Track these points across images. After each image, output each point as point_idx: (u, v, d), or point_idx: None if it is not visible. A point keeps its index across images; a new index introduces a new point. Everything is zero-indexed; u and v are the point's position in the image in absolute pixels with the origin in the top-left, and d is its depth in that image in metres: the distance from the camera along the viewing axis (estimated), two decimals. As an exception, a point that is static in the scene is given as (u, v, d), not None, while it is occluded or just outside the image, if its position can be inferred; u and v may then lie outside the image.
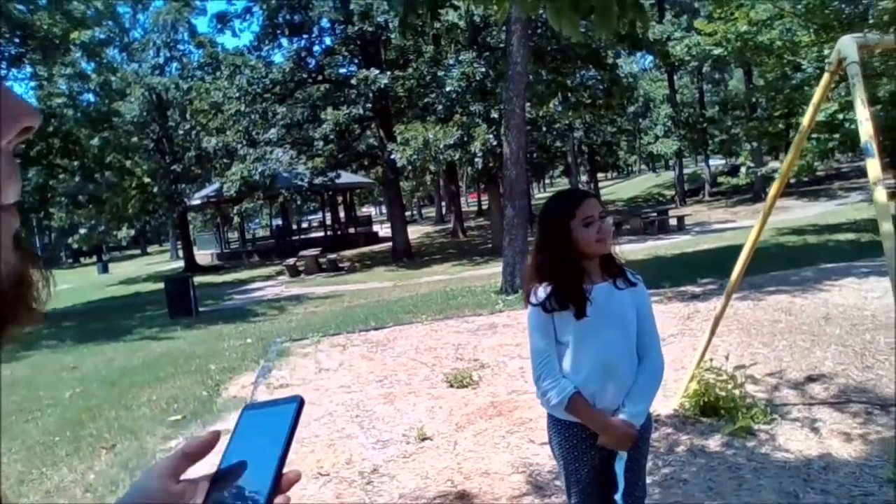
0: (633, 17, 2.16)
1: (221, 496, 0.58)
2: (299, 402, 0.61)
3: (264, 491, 0.56)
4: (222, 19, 23.82)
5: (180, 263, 31.30)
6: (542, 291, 2.02)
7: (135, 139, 25.19)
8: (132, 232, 40.90)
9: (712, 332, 4.19)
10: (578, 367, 2.00)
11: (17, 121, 0.42)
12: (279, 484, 0.57)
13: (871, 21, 10.67)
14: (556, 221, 2.02)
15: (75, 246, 46.44)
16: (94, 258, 45.62)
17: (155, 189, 28.04)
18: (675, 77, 31.24)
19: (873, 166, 2.90)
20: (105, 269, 36.34)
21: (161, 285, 15.75)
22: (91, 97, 21.77)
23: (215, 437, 0.63)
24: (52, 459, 4.77)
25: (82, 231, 37.60)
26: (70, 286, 28.54)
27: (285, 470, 0.58)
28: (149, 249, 55.45)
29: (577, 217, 1.98)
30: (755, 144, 23.71)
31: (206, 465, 0.63)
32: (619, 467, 2.03)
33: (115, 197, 22.71)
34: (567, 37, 16.26)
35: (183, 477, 0.61)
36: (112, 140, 20.92)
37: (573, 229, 1.98)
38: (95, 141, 20.10)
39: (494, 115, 17.76)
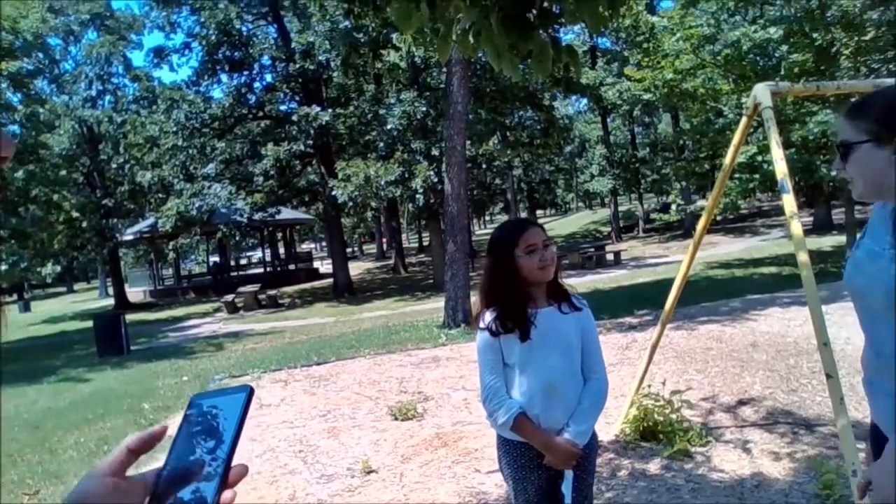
0: (566, 62, 2.31)
1: (170, 488, 0.57)
2: (249, 392, 0.61)
3: (213, 482, 0.56)
4: (160, 53, 23.49)
5: (110, 301, 29.96)
6: (488, 315, 2.11)
7: (63, 172, 24.25)
8: (58, 268, 38.86)
9: (649, 360, 4.35)
10: (524, 388, 2.06)
11: None
12: (227, 476, 0.57)
13: (782, 73, 11.56)
14: (501, 249, 2.11)
15: (-7, 284, 43.74)
16: (15, 296, 43.06)
17: (84, 224, 26.90)
18: (608, 119, 32.62)
19: (789, 201, 3.13)
20: (27, 308, 34.38)
21: (89, 324, 15.02)
22: (16, 129, 20.91)
23: (162, 430, 0.62)
24: (-32, 508, 4.46)
25: (2, 267, 35.52)
26: (-14, 327, 26.84)
27: (233, 464, 0.58)
28: (75, 287, 52.80)
29: (520, 245, 2.06)
30: (684, 183, 24.86)
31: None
32: (566, 487, 2.09)
33: (41, 232, 21.67)
34: (506, 78, 16.70)
35: (130, 473, 0.59)
36: (38, 173, 20.09)
37: (517, 257, 2.06)
38: (20, 174, 19.25)
39: (435, 152, 18.05)
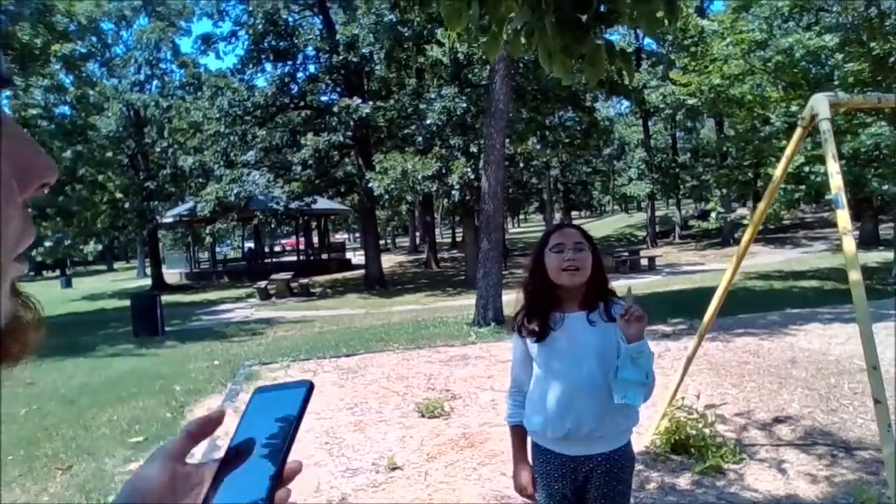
0: (619, 67, 2.24)
1: (228, 478, 0.57)
2: (309, 387, 0.61)
3: (269, 476, 0.56)
4: (207, 41, 23.87)
5: (147, 281, 30.66)
6: (520, 316, 2.09)
7: (109, 154, 24.84)
8: (99, 247, 39.96)
9: (684, 372, 4.25)
10: (545, 393, 2.03)
11: (40, 177, 0.45)
12: (283, 470, 0.56)
13: (836, 82, 11.21)
14: (537, 247, 2.09)
15: (38, 259, 45.23)
16: (58, 272, 44.44)
17: (126, 205, 27.61)
18: (649, 123, 32.09)
19: (843, 217, 3.01)
20: (68, 284, 35.39)
21: (126, 302, 15.39)
22: (67, 110, 21.52)
23: (220, 414, 0.62)
24: (5, 479, 4.58)
25: (47, 244, 36.67)
26: (30, 300, 27.72)
27: (289, 460, 0.57)
28: (115, 266, 54.26)
29: (549, 243, 2.02)
30: (725, 191, 24.35)
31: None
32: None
33: (85, 211, 22.27)
34: (548, 77, 16.52)
35: (189, 460, 0.59)
36: (85, 153, 20.62)
37: (545, 255, 2.02)
38: (68, 154, 19.79)
39: (473, 149, 17.99)
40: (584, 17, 1.79)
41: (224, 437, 0.63)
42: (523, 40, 1.85)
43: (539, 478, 2.11)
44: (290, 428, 0.58)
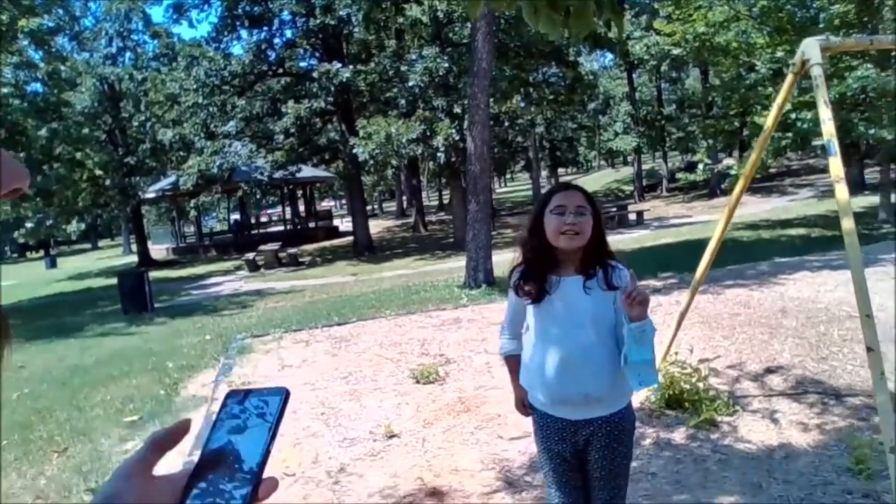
0: (608, 19, 2.14)
1: (200, 489, 0.54)
2: (285, 394, 0.59)
3: (243, 491, 0.53)
4: (179, 9, 23.09)
5: (133, 258, 30.41)
6: (516, 274, 2.07)
7: (86, 130, 24.31)
8: (82, 226, 39.49)
9: (677, 327, 4.25)
10: (539, 356, 2.01)
11: (11, 183, 0.48)
12: (258, 485, 0.53)
13: (821, 25, 11.04)
14: (537, 207, 2.04)
15: (21, 240, 44.65)
16: (42, 253, 43.97)
17: (107, 182, 27.14)
18: (634, 75, 31.72)
19: (835, 164, 2.96)
20: (53, 264, 35.05)
21: (113, 280, 15.26)
22: (39, 87, 20.94)
23: (186, 424, 0.60)
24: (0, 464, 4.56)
25: (29, 225, 36.16)
26: (16, 282, 27.48)
27: (265, 476, 0.55)
28: (100, 244, 53.76)
29: (550, 204, 1.97)
30: (711, 142, 24.31)
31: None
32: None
33: (65, 190, 21.90)
34: (531, 33, 16.18)
35: (157, 472, 0.57)
36: (61, 131, 20.15)
37: (545, 216, 1.97)
38: (43, 132, 19.34)
39: (457, 110, 17.71)
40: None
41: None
42: (507, -5, 1.76)
43: (539, 440, 2.11)
44: (266, 438, 0.55)
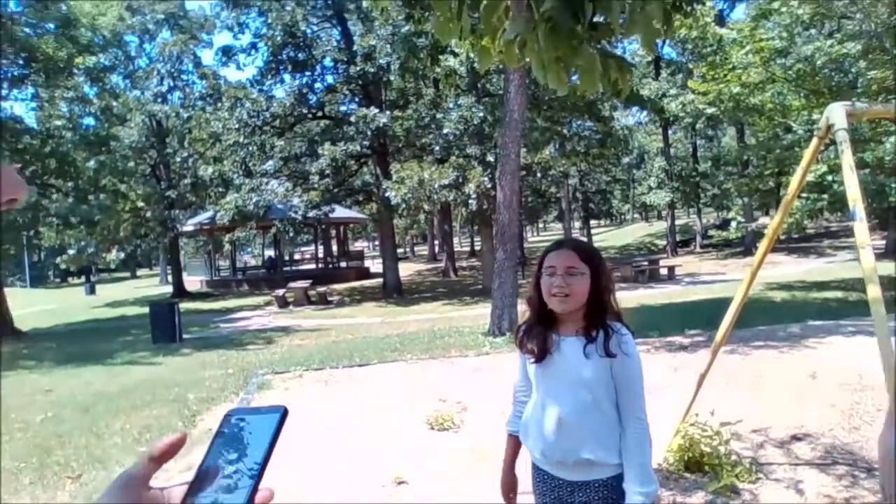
0: (616, 78, 2.16)
1: (195, 502, 0.56)
2: (283, 412, 0.60)
3: (240, 502, 0.55)
4: (227, 52, 24.17)
5: (169, 288, 31.04)
6: (521, 331, 2.06)
7: (131, 164, 25.24)
8: (122, 255, 40.61)
9: (697, 388, 4.14)
10: (538, 414, 1.99)
11: (10, 192, 0.50)
12: (254, 498, 0.55)
13: (859, 90, 10.99)
14: (537, 265, 2.01)
15: (63, 266, 46.05)
16: (83, 279, 45.19)
17: (148, 213, 28.02)
18: (669, 131, 31.81)
19: (860, 230, 2.92)
20: (92, 291, 35.97)
21: (147, 310, 15.57)
22: (91, 121, 21.91)
23: (182, 438, 0.61)
24: (15, 487, 4.61)
25: (71, 252, 37.35)
26: (54, 306, 28.20)
27: (261, 486, 0.57)
28: (138, 273, 55.05)
29: (544, 264, 1.94)
30: (746, 200, 24.03)
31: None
32: None
33: (108, 219, 22.61)
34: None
35: (154, 484, 0.58)
36: (108, 163, 20.96)
37: (541, 276, 1.95)
38: (91, 163, 20.13)
39: (490, 158, 17.95)
40: (579, 28, 1.74)
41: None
42: (517, 51, 1.81)
43: (536, 497, 2.08)
44: (262, 454, 0.57)
